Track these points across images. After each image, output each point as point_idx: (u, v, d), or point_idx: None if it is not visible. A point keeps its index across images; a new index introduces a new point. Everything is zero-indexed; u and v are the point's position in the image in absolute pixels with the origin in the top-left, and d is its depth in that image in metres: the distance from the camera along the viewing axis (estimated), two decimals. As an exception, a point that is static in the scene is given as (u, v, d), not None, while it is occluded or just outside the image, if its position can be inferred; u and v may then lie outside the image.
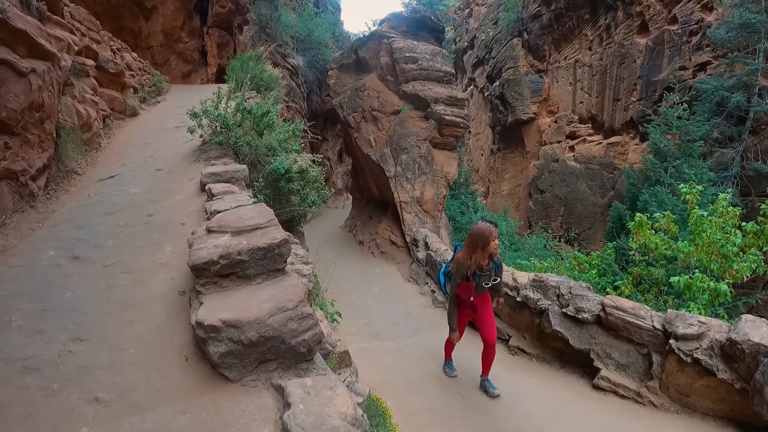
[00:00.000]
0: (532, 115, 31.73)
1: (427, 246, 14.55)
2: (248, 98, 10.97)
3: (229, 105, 9.75)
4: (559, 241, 24.56)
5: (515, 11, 33.39)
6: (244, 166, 7.20)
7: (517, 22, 33.13)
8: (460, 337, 6.59)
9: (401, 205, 17.84)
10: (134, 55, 15.87)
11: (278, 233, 4.38)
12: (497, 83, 34.05)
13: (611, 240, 16.28)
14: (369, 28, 23.98)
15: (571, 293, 6.95)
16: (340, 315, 8.86)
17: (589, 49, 28.26)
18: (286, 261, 4.33)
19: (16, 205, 6.84)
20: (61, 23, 9.19)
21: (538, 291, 7.47)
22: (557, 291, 7.19)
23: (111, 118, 11.59)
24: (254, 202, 5.42)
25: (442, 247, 13.73)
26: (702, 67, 21.92)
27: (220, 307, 3.63)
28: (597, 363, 6.42)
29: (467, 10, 43.58)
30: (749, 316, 5.58)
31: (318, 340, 3.64)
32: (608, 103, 26.69)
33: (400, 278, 15.52)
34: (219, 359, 3.37)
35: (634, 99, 24.97)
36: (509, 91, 32.29)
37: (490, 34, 36.69)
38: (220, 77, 22.14)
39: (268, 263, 4.18)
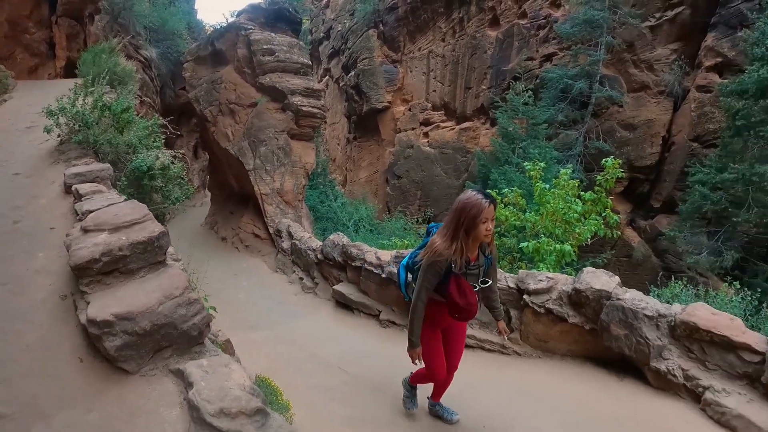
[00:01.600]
0: (387, 104, 32.43)
1: (291, 236, 14.77)
2: (103, 94, 10.37)
3: (86, 102, 9.17)
4: (418, 222, 25.27)
5: (372, 3, 33.90)
6: (108, 165, 6.98)
7: (373, 14, 33.66)
8: (444, 374, 4.81)
9: (262, 198, 17.85)
10: None
11: (156, 226, 4.46)
12: (353, 73, 34.52)
13: None
14: (227, 19, 23.55)
15: None
16: (215, 309, 8.90)
17: (443, 40, 29.34)
18: (165, 253, 4.42)
19: None
20: None
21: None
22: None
23: None
24: (125, 200, 5.38)
25: (306, 236, 14.00)
26: (548, 57, 23.98)
27: (109, 303, 3.66)
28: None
29: (324, 1, 43.68)
30: (590, 269, 6.27)
31: (207, 323, 3.82)
32: (460, 91, 27.94)
33: (268, 270, 15.56)
34: (116, 353, 3.41)
35: (484, 87, 26.40)
36: (364, 81, 32.83)
37: (347, 25, 37.09)
38: (69, 71, 20.48)
39: (149, 256, 4.24)
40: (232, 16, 24.43)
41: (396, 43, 32.67)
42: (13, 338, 4.02)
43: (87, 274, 3.94)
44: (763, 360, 4.49)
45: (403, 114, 31.82)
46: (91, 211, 4.88)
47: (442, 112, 29.45)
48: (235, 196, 21.89)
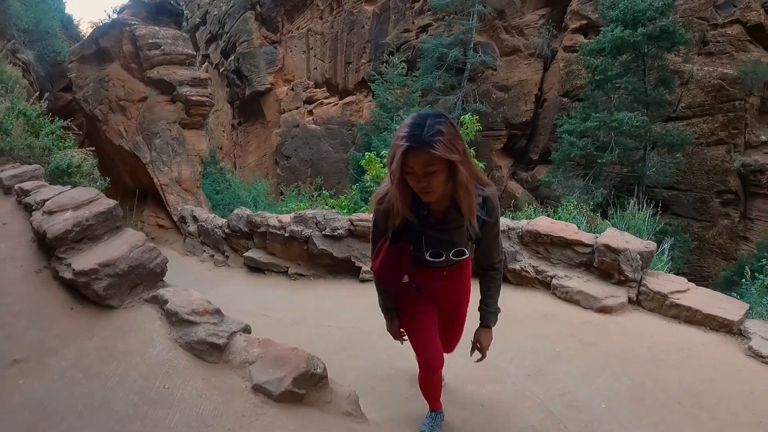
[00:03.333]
0: (269, 86, 33.03)
1: (195, 219, 15.16)
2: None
3: None
4: (313, 197, 25.51)
5: None
6: (39, 166, 7.58)
7: None
8: (435, 356, 3.38)
9: (162, 188, 18.04)
10: None
11: (109, 201, 5.19)
12: (232, 58, 34.82)
13: (354, 183, 18.58)
14: (109, 16, 23.51)
15: (325, 218, 8.50)
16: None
17: (321, 18, 30.09)
18: (120, 220, 5.17)
19: None
20: None
21: (300, 224, 8.81)
22: (315, 220, 8.65)
23: None
24: (71, 188, 6.01)
25: (210, 216, 14.55)
26: (424, 29, 25.31)
27: (89, 258, 4.39)
28: (357, 264, 8.06)
29: None
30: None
31: (165, 262, 4.81)
32: (341, 66, 28.91)
33: (179, 255, 15.36)
34: (104, 292, 4.19)
35: (364, 61, 27.49)
36: (245, 64, 33.19)
37: (223, 8, 37.09)
38: None
39: (110, 223, 5.00)
40: (114, 13, 24.33)
41: (274, 24, 33.22)
42: (3, 309, 4.57)
43: (63, 243, 4.65)
44: (592, 251, 6.00)
45: (286, 94, 32.44)
46: (46, 199, 5.49)
47: (325, 89, 30.30)
48: (130, 193, 21.62)
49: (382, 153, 12.84)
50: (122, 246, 4.60)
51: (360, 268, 8.06)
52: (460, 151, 2.40)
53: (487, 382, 4.47)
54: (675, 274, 6.38)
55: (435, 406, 3.79)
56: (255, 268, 10.04)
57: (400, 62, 23.28)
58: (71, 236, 4.68)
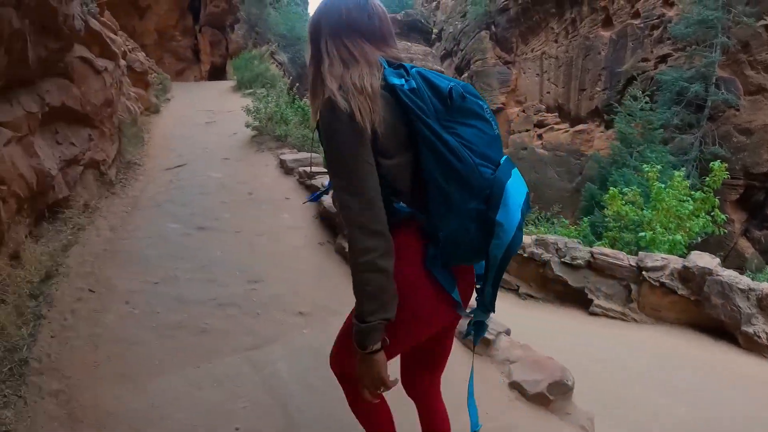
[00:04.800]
0: (501, 106, 32.96)
1: None
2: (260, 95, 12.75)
3: (269, 104, 11.51)
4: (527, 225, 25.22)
5: (483, 4, 34.69)
6: (317, 154, 8.72)
7: (485, 15, 34.51)
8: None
9: None
10: (143, 54, 15.95)
11: None
12: (466, 75, 35.06)
13: (586, 215, 18.50)
14: None
15: (566, 246, 8.94)
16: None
17: (556, 41, 29.99)
18: None
19: (99, 191, 7.50)
20: (107, 24, 9.48)
21: (541, 247, 9.26)
22: (556, 246, 9.09)
23: (141, 114, 12.10)
24: None
25: None
26: (663, 59, 24.08)
27: None
28: (590, 296, 8.51)
29: (434, 3, 43.58)
30: (696, 251, 8.14)
31: None
32: (574, 93, 28.44)
33: None
34: None
35: (598, 89, 26.77)
36: (478, 82, 33.28)
37: (458, 26, 37.64)
38: (213, 75, 23.40)
39: None
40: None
41: (508, 45, 33.46)
42: (287, 269, 5.84)
43: None
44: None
45: (517, 116, 32.43)
46: None
47: (556, 114, 29.88)
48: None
49: (623, 190, 13.19)
50: None
51: (591, 301, 8.50)
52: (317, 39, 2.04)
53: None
54: None
55: None
56: (485, 281, 10.50)
57: (644, 95, 22.24)
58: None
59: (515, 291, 9.74)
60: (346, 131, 1.76)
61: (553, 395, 3.87)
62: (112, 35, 9.23)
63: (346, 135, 1.76)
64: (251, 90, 14.92)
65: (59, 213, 6.14)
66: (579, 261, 8.82)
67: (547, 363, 4.16)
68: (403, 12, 24.66)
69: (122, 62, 9.97)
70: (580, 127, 28.09)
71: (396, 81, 1.84)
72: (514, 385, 3.98)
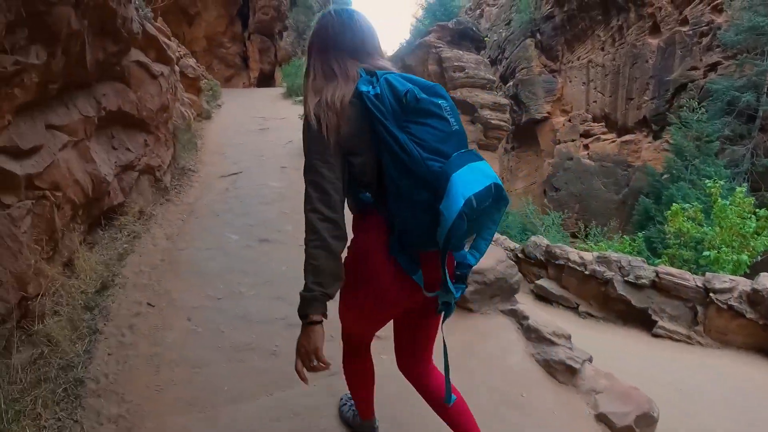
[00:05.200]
0: (546, 115, 32.90)
1: None
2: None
3: None
4: (573, 237, 25.07)
5: (528, 12, 34.58)
6: None
7: (530, 23, 34.40)
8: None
9: None
10: (194, 60, 15.90)
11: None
12: (511, 83, 35.14)
13: (640, 230, 18.33)
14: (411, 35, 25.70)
15: (630, 265, 8.93)
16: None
17: (602, 49, 29.66)
18: None
19: (154, 198, 7.40)
20: (161, 30, 9.42)
21: (603, 265, 9.28)
22: (619, 264, 9.08)
23: (193, 120, 11.98)
24: None
25: (501, 237, 14.31)
26: (713, 67, 23.56)
27: None
28: (654, 317, 8.50)
29: (478, 11, 44.63)
30: (764, 273, 8.02)
31: (520, 281, 5.35)
32: (621, 102, 28.00)
33: None
34: (470, 296, 4.86)
35: (646, 98, 26.33)
36: (523, 91, 33.51)
37: (503, 34, 37.90)
38: (261, 81, 23.73)
39: None
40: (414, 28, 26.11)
41: (554, 53, 33.27)
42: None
43: None
44: None
45: (563, 125, 32.16)
46: None
47: (603, 123, 29.53)
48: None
49: (684, 205, 13.08)
50: (487, 258, 4.83)
51: (655, 322, 8.45)
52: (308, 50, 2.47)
53: None
54: None
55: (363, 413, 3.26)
56: (542, 297, 10.36)
57: (700, 106, 21.85)
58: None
59: (575, 309, 9.74)
60: (314, 139, 2.12)
61: (639, 428, 3.85)
62: (166, 40, 9.15)
63: (313, 143, 2.13)
64: (301, 97, 15.02)
65: (114, 220, 6.08)
66: (643, 280, 8.77)
67: (633, 394, 4.15)
68: (454, 20, 24.55)
69: (176, 67, 9.87)
70: (628, 137, 27.64)
71: (364, 89, 2.13)
72: (601, 418, 3.94)
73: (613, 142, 28.56)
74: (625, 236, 17.00)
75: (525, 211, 24.41)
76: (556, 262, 10.35)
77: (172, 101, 8.64)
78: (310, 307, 2.14)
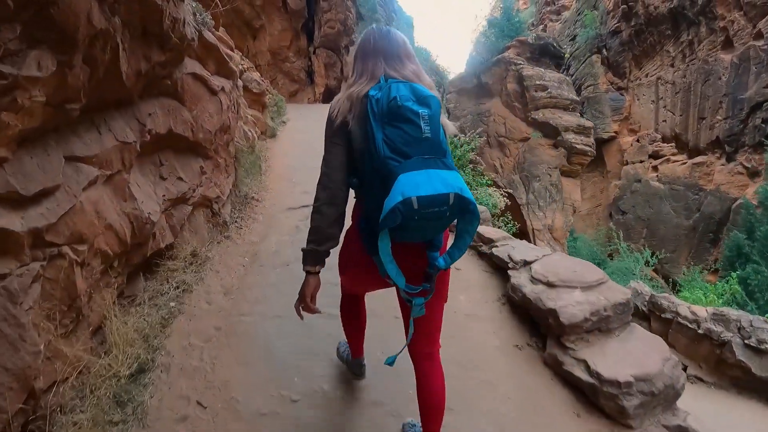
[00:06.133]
0: (613, 134, 32.18)
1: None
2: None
3: None
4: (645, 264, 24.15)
5: (593, 27, 33.97)
6: (485, 208, 8.15)
7: (595, 39, 33.66)
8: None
9: (534, 233, 18.88)
10: (258, 74, 15.09)
11: (623, 289, 4.98)
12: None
13: (731, 268, 17.22)
14: (477, 50, 25.31)
15: (752, 326, 8.11)
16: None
17: (672, 65, 28.76)
18: (631, 312, 4.88)
19: (211, 235, 6.55)
20: (222, 39, 8.35)
21: (720, 324, 8.44)
22: (739, 324, 8.25)
23: (257, 139, 11.01)
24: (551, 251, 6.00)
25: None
26: None
27: (609, 359, 4.27)
28: None
29: (541, 26, 44.17)
30: None
31: (685, 381, 4.40)
32: (693, 121, 27.05)
33: None
34: (633, 411, 3.95)
35: (720, 118, 25.29)
36: (589, 109, 32.73)
37: (568, 50, 36.79)
38: (327, 97, 23.60)
39: (624, 316, 4.75)
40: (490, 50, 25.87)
41: (621, 69, 32.49)
42: (487, 387, 4.29)
43: (574, 332, 4.57)
44: None
45: (631, 145, 31.33)
46: (529, 261, 5.70)
47: (673, 144, 28.62)
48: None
49: None
50: (650, 354, 4.41)
51: None
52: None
53: None
54: None
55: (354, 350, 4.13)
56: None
57: None
58: (587, 326, 4.60)
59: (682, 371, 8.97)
60: (329, 124, 2.80)
61: None
62: (229, 51, 8.44)
63: (328, 126, 2.81)
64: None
65: (160, 265, 5.29)
66: (767, 345, 7.92)
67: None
68: (534, 35, 24.05)
69: (239, 81, 9.19)
70: (699, 159, 26.62)
71: (371, 92, 2.62)
72: None
73: (684, 164, 27.57)
74: (721, 282, 16.03)
75: (595, 241, 23.76)
76: (662, 316, 9.50)
77: (234, 120, 7.95)
78: (306, 260, 2.81)
